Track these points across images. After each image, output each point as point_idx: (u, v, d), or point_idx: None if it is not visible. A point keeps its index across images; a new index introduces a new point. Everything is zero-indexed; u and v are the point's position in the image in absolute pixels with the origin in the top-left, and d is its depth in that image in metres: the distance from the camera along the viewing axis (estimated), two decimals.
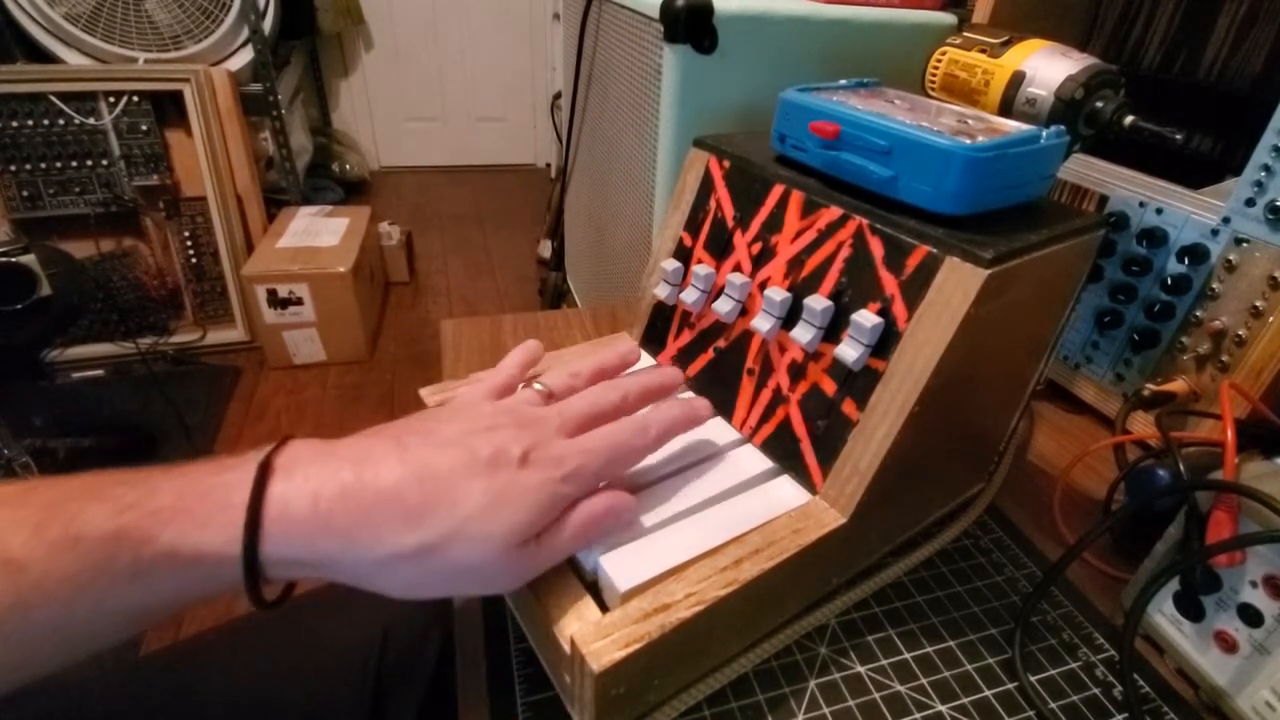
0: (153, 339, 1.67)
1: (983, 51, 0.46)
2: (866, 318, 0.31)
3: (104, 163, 1.54)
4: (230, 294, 1.73)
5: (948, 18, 0.67)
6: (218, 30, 1.64)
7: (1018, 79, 0.43)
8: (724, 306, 0.37)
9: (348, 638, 0.44)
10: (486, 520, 0.25)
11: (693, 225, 0.41)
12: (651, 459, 0.34)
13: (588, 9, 0.85)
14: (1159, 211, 0.47)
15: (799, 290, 0.34)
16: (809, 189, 0.35)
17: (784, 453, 0.35)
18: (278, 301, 1.59)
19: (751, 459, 0.35)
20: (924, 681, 0.33)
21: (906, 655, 0.34)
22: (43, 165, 1.49)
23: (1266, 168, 0.41)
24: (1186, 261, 0.45)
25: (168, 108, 1.56)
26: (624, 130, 0.77)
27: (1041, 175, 0.33)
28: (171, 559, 0.23)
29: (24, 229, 1.52)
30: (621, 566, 0.28)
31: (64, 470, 1.20)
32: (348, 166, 2.72)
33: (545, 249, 2.04)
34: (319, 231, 1.75)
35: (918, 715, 0.31)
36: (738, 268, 0.38)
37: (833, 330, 0.33)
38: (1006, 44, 0.45)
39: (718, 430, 0.37)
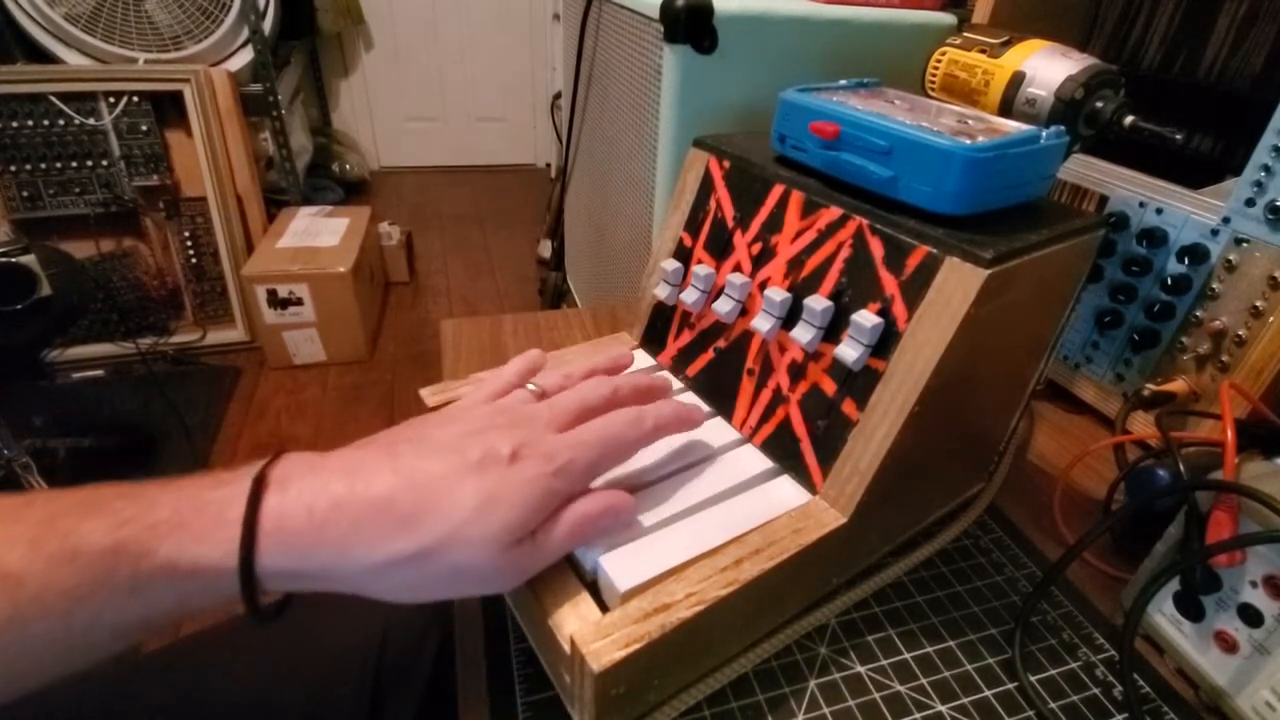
0: (153, 339, 1.67)
1: (983, 52, 0.46)
2: (866, 318, 0.31)
3: (104, 163, 1.54)
4: (230, 294, 1.73)
5: (948, 18, 0.67)
6: (218, 30, 1.64)
7: (1018, 79, 0.43)
8: (724, 306, 0.37)
9: (347, 637, 0.44)
10: (479, 522, 0.25)
11: (693, 225, 0.41)
12: (651, 459, 0.34)
13: (588, 9, 0.85)
14: (1159, 211, 0.47)
15: (799, 290, 0.34)
16: (809, 189, 0.35)
17: (784, 453, 0.35)
18: (278, 301, 1.59)
19: (751, 459, 0.35)
20: (924, 681, 0.33)
21: (906, 655, 0.34)
22: (43, 165, 1.49)
23: (1266, 168, 0.41)
24: (1186, 261, 0.45)
25: (168, 108, 1.56)
26: (624, 130, 0.77)
27: (1041, 175, 0.33)
28: (169, 572, 0.23)
29: (24, 229, 1.52)
30: (621, 566, 0.28)
31: (64, 470, 1.19)
32: (348, 166, 2.72)
33: (545, 249, 2.04)
34: (319, 231, 1.75)
35: (918, 715, 0.31)
36: (738, 268, 0.38)
37: (833, 330, 0.33)
38: (1006, 44, 0.45)
39: (718, 430, 0.37)
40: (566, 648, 0.26)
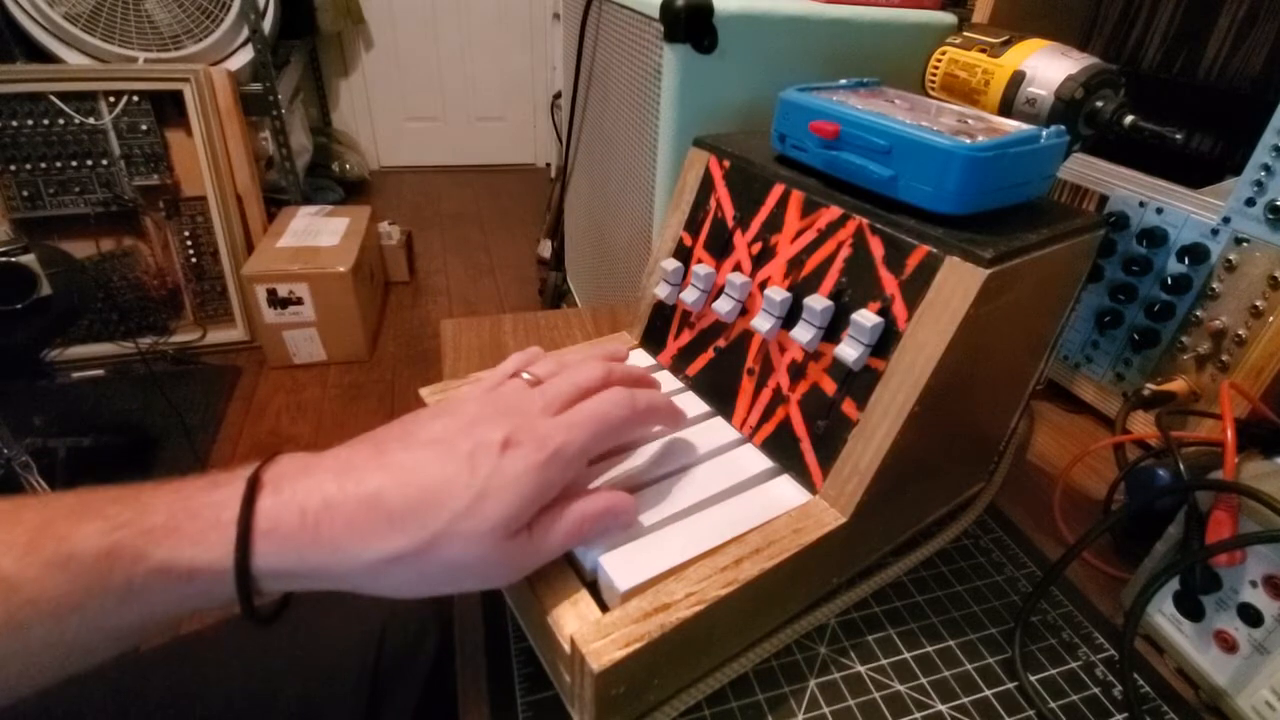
0: (153, 339, 1.67)
1: (983, 51, 0.46)
2: (866, 317, 0.31)
3: (104, 162, 1.54)
4: (230, 294, 1.73)
5: (948, 17, 0.67)
6: (218, 30, 1.64)
7: (1018, 79, 0.43)
8: (724, 306, 0.37)
9: (346, 636, 0.44)
10: (473, 516, 0.25)
11: (693, 225, 0.41)
12: (651, 458, 0.34)
13: (588, 9, 0.85)
14: (1159, 211, 0.47)
15: (799, 290, 0.34)
16: (809, 189, 0.35)
17: (784, 452, 0.35)
18: (278, 301, 1.59)
19: (751, 459, 0.35)
20: (924, 681, 0.33)
21: (906, 655, 0.34)
22: (43, 165, 1.49)
23: (1266, 167, 0.41)
24: (1186, 261, 0.45)
25: (168, 107, 1.56)
26: (624, 130, 0.77)
27: (1041, 175, 0.33)
28: (165, 575, 0.23)
29: (24, 229, 1.52)
30: (621, 566, 0.28)
31: (64, 470, 1.19)
32: (348, 166, 2.72)
33: (545, 249, 2.04)
34: (319, 231, 1.75)
35: (918, 715, 0.31)
36: (738, 267, 0.38)
37: (833, 330, 0.33)
38: (1006, 44, 0.45)
39: (718, 430, 0.37)
40: (566, 647, 0.26)
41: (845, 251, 0.33)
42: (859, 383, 0.31)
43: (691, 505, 0.32)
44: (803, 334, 0.33)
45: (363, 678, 0.42)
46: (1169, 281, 0.46)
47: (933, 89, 0.49)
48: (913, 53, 0.55)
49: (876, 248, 0.32)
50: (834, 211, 0.33)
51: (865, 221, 0.32)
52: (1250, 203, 0.42)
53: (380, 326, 1.92)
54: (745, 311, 0.37)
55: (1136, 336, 0.49)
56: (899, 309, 0.30)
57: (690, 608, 0.26)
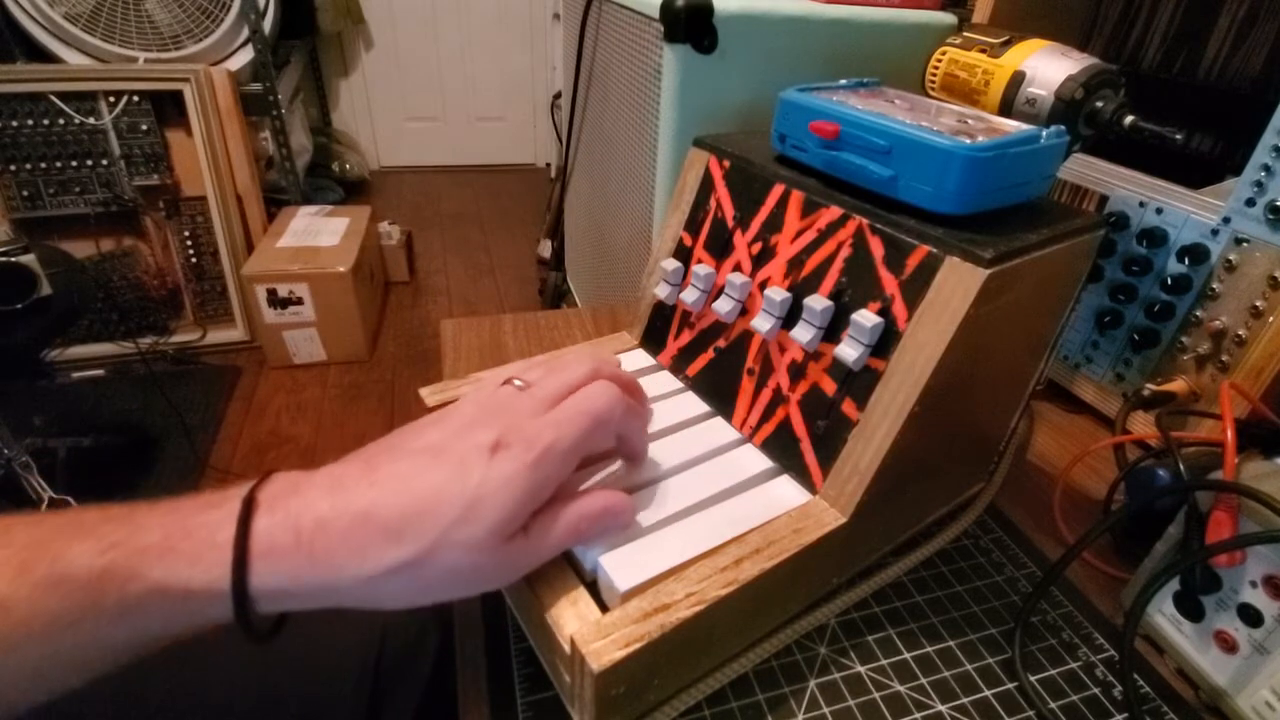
0: (153, 339, 1.67)
1: (983, 51, 0.46)
2: (866, 317, 0.31)
3: (104, 162, 1.54)
4: (230, 294, 1.73)
5: (948, 18, 0.67)
6: (218, 30, 1.64)
7: (1018, 79, 0.43)
8: (724, 306, 0.37)
9: (346, 637, 0.44)
10: (467, 524, 0.24)
11: (693, 225, 0.41)
12: (650, 458, 0.34)
13: (588, 9, 0.85)
14: (1159, 211, 0.47)
15: (799, 290, 0.34)
16: (809, 189, 0.35)
17: (784, 452, 0.35)
18: (278, 301, 1.59)
19: (751, 459, 0.35)
20: (924, 681, 0.33)
21: (906, 655, 0.34)
22: (43, 165, 1.49)
23: (1266, 168, 0.41)
24: (1186, 261, 0.45)
25: (168, 107, 1.56)
26: (624, 130, 0.77)
27: (1041, 175, 0.33)
28: (160, 596, 0.23)
29: (24, 229, 1.52)
30: (621, 566, 0.28)
31: (64, 470, 1.19)
32: (348, 166, 2.72)
33: (545, 249, 2.04)
34: (319, 231, 1.75)
35: (918, 715, 0.31)
36: (738, 267, 0.38)
37: (833, 330, 0.33)
38: (1006, 44, 0.45)
39: (718, 430, 0.37)
40: (566, 647, 0.26)
41: (845, 251, 0.33)
42: (859, 383, 0.31)
43: (691, 505, 0.32)
44: (803, 334, 0.33)
45: (363, 678, 0.42)
46: (1169, 282, 0.46)
47: (933, 89, 0.49)
48: (913, 53, 0.55)
49: (876, 248, 0.32)
50: (834, 211, 0.33)
51: (865, 221, 0.32)
52: (1250, 203, 0.42)
53: (380, 326, 1.92)
54: (745, 312, 0.37)
55: (1136, 337, 0.49)
56: (899, 309, 0.30)
57: (690, 608, 0.26)
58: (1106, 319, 0.51)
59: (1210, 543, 0.31)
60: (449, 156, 3.12)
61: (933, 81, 0.49)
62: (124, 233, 1.64)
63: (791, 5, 0.63)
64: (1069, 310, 0.38)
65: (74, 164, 1.51)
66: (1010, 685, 0.33)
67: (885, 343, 0.31)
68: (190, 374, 1.64)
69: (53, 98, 1.46)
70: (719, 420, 0.38)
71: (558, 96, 2.58)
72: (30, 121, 1.46)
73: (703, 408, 0.39)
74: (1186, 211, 0.46)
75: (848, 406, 0.32)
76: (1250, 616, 0.31)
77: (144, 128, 1.54)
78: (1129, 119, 0.41)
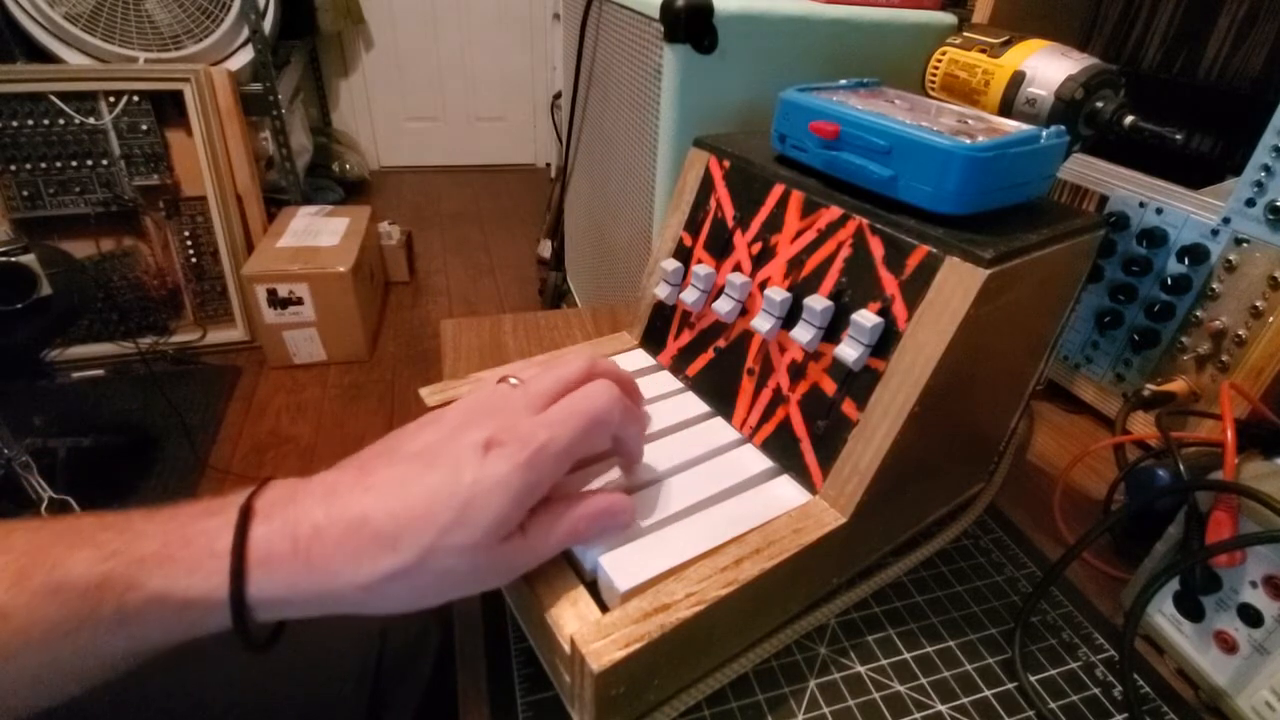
0: (153, 339, 1.67)
1: (983, 51, 0.46)
2: (866, 318, 0.31)
3: (104, 162, 1.54)
4: (230, 294, 1.73)
5: (948, 18, 0.67)
6: (218, 30, 1.64)
7: (1018, 79, 0.43)
8: (724, 306, 0.37)
9: (347, 638, 0.44)
10: (462, 526, 0.24)
11: (693, 225, 0.41)
12: (650, 458, 0.34)
13: (588, 9, 0.85)
14: (1159, 211, 0.47)
15: (799, 290, 0.34)
16: (809, 189, 0.35)
17: (784, 453, 0.35)
18: (278, 301, 1.59)
19: (751, 459, 0.35)
20: (924, 681, 0.33)
21: (906, 655, 0.34)
22: (43, 165, 1.49)
23: (1266, 168, 0.41)
24: (1186, 261, 0.45)
25: (168, 107, 1.56)
26: (624, 130, 0.77)
27: (1041, 175, 0.33)
28: (159, 605, 0.23)
29: (24, 229, 1.52)
30: (621, 566, 0.28)
31: (64, 470, 1.18)
32: (348, 166, 2.72)
33: (545, 249, 2.04)
34: (319, 231, 1.75)
35: (917, 715, 0.31)
36: (738, 268, 0.38)
37: (833, 330, 0.33)
38: (1006, 44, 0.45)
39: (718, 430, 0.37)
40: (566, 647, 0.26)
41: (845, 252, 0.33)
42: (859, 383, 0.31)
43: (691, 505, 0.32)
44: (803, 334, 0.33)
45: (364, 679, 0.42)
46: (1169, 282, 0.46)
47: (933, 89, 0.49)
48: (913, 53, 0.55)
49: (876, 248, 0.32)
50: (834, 212, 0.33)
51: (865, 222, 0.32)
52: (1250, 203, 0.42)
53: (380, 326, 1.92)
54: (745, 312, 0.37)
55: (1136, 337, 0.49)
56: (899, 309, 0.30)
57: (690, 608, 0.26)
58: (1106, 319, 0.51)
59: (1210, 543, 0.31)
60: (449, 156, 3.11)
61: (933, 82, 0.49)
62: (124, 233, 1.64)
63: (791, 5, 0.63)
64: (1069, 310, 0.38)
65: (74, 164, 1.51)
66: (1010, 685, 0.33)
67: (885, 343, 0.31)
68: (190, 374, 1.64)
69: (53, 98, 1.46)
70: (719, 420, 0.38)
71: (558, 96, 2.58)
72: (30, 121, 1.46)
73: (703, 408, 0.39)
74: (1186, 212, 0.46)
75: (848, 406, 0.32)
76: (1250, 616, 0.31)
77: (144, 128, 1.54)
78: (1129, 119, 0.41)
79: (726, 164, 0.39)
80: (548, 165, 3.14)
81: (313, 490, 0.26)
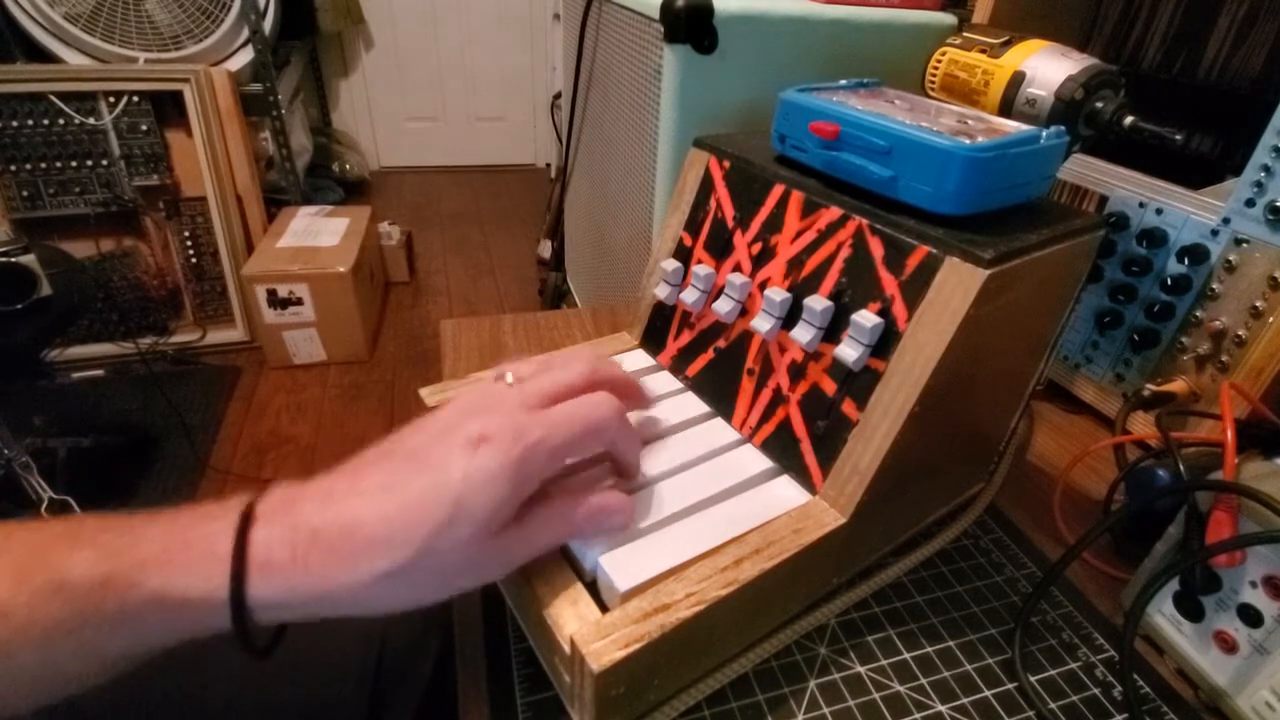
0: (153, 339, 1.67)
1: (983, 52, 0.46)
2: (866, 318, 0.31)
3: (104, 163, 1.54)
4: (230, 294, 1.73)
5: (948, 18, 0.67)
6: (218, 30, 1.64)
7: (1018, 79, 0.43)
8: (724, 306, 0.37)
9: (347, 638, 0.44)
10: (454, 524, 0.24)
11: (693, 225, 0.41)
12: (650, 458, 0.34)
13: (588, 9, 0.85)
14: (1159, 212, 0.47)
15: (799, 290, 0.34)
16: (809, 189, 0.35)
17: (784, 453, 0.35)
18: (278, 301, 1.59)
19: (751, 459, 0.35)
20: (924, 681, 0.33)
21: (906, 655, 0.34)
22: (43, 165, 1.49)
23: (1266, 168, 0.41)
24: (1186, 262, 0.45)
25: (168, 108, 1.56)
26: (624, 130, 0.77)
27: (1041, 175, 0.33)
28: (158, 606, 0.23)
29: (24, 229, 1.52)
30: (621, 566, 0.28)
31: (64, 470, 1.18)
32: (348, 166, 2.72)
33: (545, 249, 2.04)
34: (319, 231, 1.75)
35: (917, 715, 0.31)
36: (738, 268, 0.38)
37: (833, 330, 0.33)
38: (1006, 44, 0.45)
39: (718, 431, 0.37)
40: (566, 647, 0.26)
41: (845, 252, 0.33)
42: (859, 383, 0.31)
43: (691, 505, 0.32)
44: (803, 334, 0.33)
45: (364, 679, 0.42)
46: (1169, 282, 0.46)
47: (933, 89, 0.49)
48: (913, 53, 0.55)
49: (876, 248, 0.32)
50: (834, 212, 0.33)
51: (865, 222, 0.32)
52: (1250, 203, 0.42)
53: (380, 326, 1.92)
54: (745, 312, 0.37)
55: (1136, 337, 0.49)
56: (899, 309, 0.30)
57: (690, 608, 0.26)
58: (1106, 319, 0.51)
59: (1210, 543, 0.31)
60: (449, 156, 3.12)
61: (933, 82, 0.49)
62: (124, 233, 1.64)
63: (791, 5, 0.63)
64: (1069, 310, 0.38)
65: (74, 164, 1.51)
66: (1010, 685, 0.33)
67: (885, 343, 0.31)
68: (190, 374, 1.64)
69: (53, 98, 1.46)
70: (719, 420, 0.38)
71: (558, 96, 2.58)
72: (30, 122, 1.46)
73: (703, 408, 0.39)
74: (1186, 212, 0.46)
75: (848, 407, 0.32)
76: (1250, 617, 0.31)
77: (144, 128, 1.54)
78: (1129, 119, 0.41)
79: (726, 164, 0.39)
80: (548, 165, 3.15)
81: (310, 494, 0.26)
